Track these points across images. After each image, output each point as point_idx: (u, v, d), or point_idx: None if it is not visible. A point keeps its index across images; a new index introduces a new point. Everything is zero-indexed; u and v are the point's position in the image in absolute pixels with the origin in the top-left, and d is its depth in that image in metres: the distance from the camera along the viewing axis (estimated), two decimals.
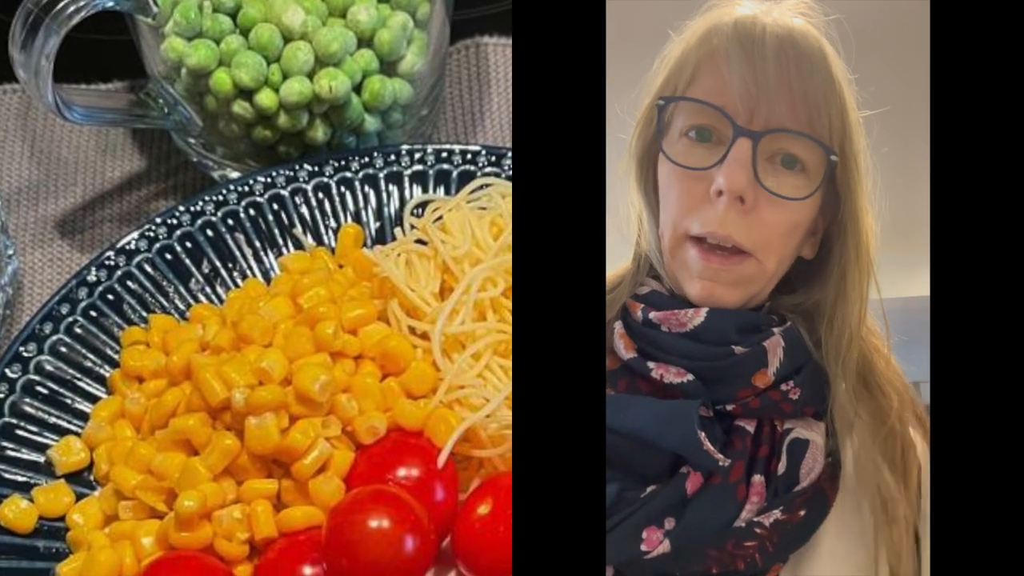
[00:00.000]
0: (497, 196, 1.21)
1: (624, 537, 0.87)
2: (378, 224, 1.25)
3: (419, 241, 1.19)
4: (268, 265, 1.24)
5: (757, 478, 0.90)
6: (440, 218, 1.20)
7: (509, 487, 1.06)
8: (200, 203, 1.24)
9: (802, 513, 0.90)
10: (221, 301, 1.22)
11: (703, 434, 0.89)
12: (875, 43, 0.93)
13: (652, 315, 0.93)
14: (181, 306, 1.21)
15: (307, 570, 1.03)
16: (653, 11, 0.96)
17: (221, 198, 1.25)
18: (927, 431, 0.95)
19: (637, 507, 0.88)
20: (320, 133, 1.25)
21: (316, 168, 1.26)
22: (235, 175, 1.30)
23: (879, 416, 0.94)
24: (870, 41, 0.92)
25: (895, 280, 0.97)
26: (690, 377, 0.91)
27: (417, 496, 1.04)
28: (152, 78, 1.29)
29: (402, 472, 1.06)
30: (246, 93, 1.22)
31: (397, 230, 1.24)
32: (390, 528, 1.00)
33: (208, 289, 1.22)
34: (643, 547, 0.87)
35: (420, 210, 1.24)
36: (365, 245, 1.24)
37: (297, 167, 1.26)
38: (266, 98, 1.21)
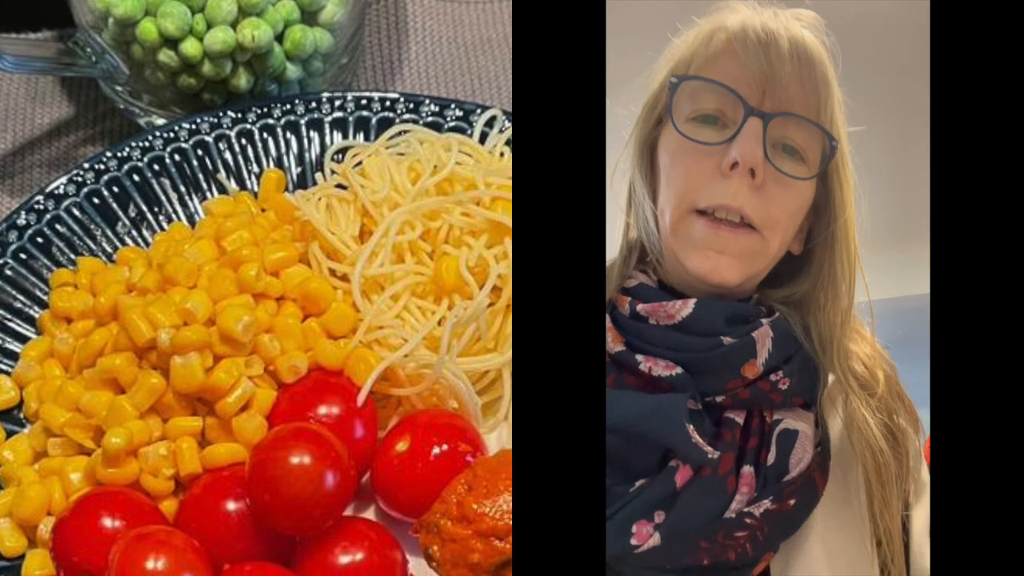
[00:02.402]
0: (415, 142, 1.19)
1: (614, 531, 0.85)
2: (299, 169, 1.23)
3: (339, 186, 1.18)
4: (193, 209, 1.22)
5: (747, 469, 0.87)
6: (360, 163, 1.19)
7: (427, 425, 1.06)
8: (127, 149, 1.22)
9: (792, 502, 0.87)
10: (147, 244, 1.19)
11: (691, 427, 0.86)
12: (876, 42, 0.91)
13: (640, 308, 0.90)
14: (108, 249, 1.19)
15: (231, 505, 1.01)
16: (652, 8, 0.94)
17: (147, 144, 1.22)
18: (912, 412, 0.94)
19: (626, 501, 0.86)
20: (243, 81, 1.23)
21: (239, 115, 1.24)
22: (161, 122, 1.28)
23: (869, 388, 0.92)
24: (871, 40, 0.91)
25: (887, 279, 0.95)
26: (679, 370, 0.88)
27: (337, 433, 1.02)
28: (80, 28, 1.26)
29: (323, 410, 1.05)
30: (171, 42, 1.20)
31: (318, 175, 1.23)
32: (311, 464, 0.98)
33: (135, 232, 1.20)
34: (633, 541, 0.85)
35: (340, 156, 1.22)
36: (287, 190, 1.22)
37: (221, 114, 1.24)
38: (191, 47, 1.19)
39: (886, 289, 0.94)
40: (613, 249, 0.94)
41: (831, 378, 0.92)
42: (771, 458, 0.88)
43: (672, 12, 0.92)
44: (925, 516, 0.94)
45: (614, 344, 0.90)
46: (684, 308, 0.89)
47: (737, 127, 0.87)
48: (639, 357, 0.88)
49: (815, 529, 0.89)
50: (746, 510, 0.86)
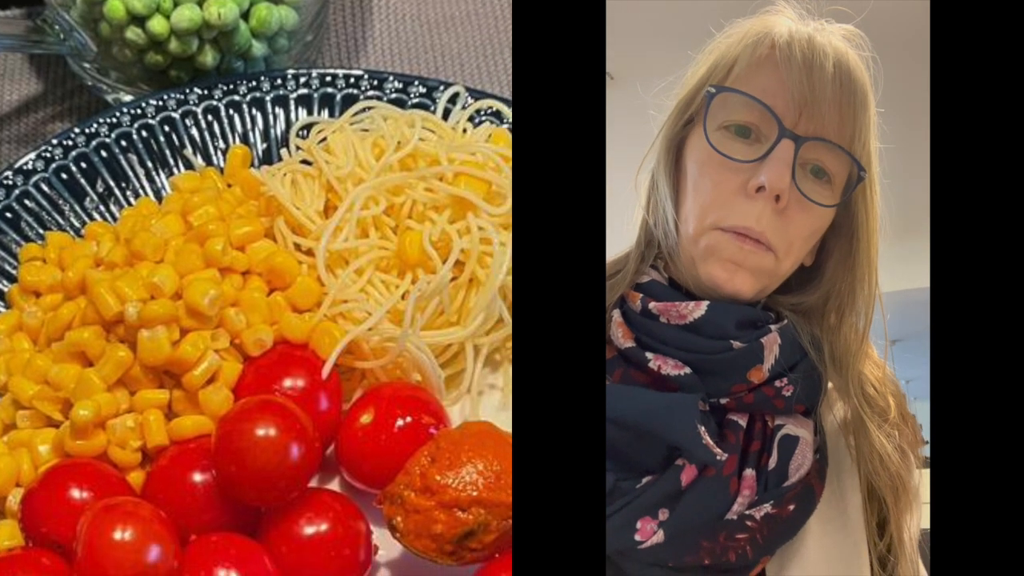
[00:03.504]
0: (379, 118, 1.19)
1: (618, 527, 0.84)
2: (265, 145, 1.23)
3: (304, 161, 1.17)
4: (160, 184, 1.21)
5: (748, 472, 0.87)
6: (324, 139, 1.18)
7: (390, 397, 1.05)
8: (95, 125, 1.21)
9: (791, 508, 0.87)
10: (115, 219, 1.18)
11: (702, 428, 0.85)
12: (877, 40, 0.90)
13: (652, 305, 0.89)
14: (77, 224, 1.18)
15: (197, 477, 1.00)
16: (687, 9, 0.93)
17: (115, 120, 1.21)
18: (915, 430, 0.94)
19: (632, 497, 0.85)
20: (209, 58, 1.22)
21: (205, 92, 1.23)
22: (128, 98, 1.27)
23: (883, 415, 0.91)
24: (873, 38, 0.90)
25: (890, 273, 0.94)
26: (687, 370, 0.87)
27: (302, 406, 1.01)
28: (49, 5, 1.25)
29: (288, 383, 1.04)
30: (139, 19, 1.19)
31: (283, 151, 1.21)
32: (276, 436, 0.98)
33: (102, 207, 1.19)
34: (637, 537, 0.84)
35: (305, 132, 1.21)
36: (252, 165, 1.21)
37: (187, 91, 1.23)
38: (158, 24, 1.18)
39: (889, 283, 0.93)
40: (624, 241, 0.93)
41: (830, 385, 0.92)
42: (772, 463, 0.87)
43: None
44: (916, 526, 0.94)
45: (624, 340, 0.89)
46: (697, 309, 0.88)
47: (769, 146, 0.86)
48: (648, 355, 0.87)
49: (812, 534, 0.89)
50: (747, 512, 0.85)
